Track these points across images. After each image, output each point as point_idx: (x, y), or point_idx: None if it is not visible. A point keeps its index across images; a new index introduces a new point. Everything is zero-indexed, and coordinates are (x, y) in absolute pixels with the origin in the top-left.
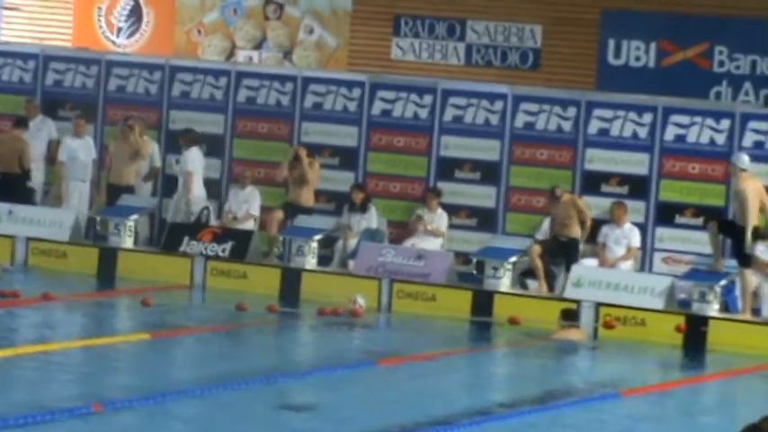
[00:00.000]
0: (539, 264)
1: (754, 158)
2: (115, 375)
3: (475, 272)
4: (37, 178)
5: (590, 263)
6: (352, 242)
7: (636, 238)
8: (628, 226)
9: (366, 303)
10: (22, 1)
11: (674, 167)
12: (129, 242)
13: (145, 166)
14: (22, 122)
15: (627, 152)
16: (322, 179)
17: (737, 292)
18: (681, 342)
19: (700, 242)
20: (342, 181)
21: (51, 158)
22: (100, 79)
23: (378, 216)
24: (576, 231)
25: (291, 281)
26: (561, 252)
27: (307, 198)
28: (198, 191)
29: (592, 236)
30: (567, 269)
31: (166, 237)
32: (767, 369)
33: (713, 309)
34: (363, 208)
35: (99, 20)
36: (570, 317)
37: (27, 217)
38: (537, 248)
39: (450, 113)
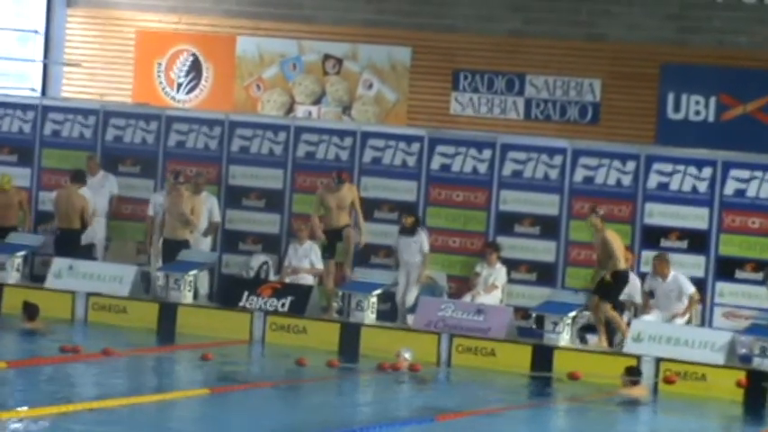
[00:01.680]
0: (600, 317)
1: None
2: (174, 430)
3: (534, 326)
4: (99, 234)
5: (650, 318)
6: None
7: (687, 286)
8: (671, 277)
9: (412, 357)
10: (82, 57)
11: (733, 222)
12: (188, 297)
13: (202, 221)
14: (79, 177)
15: (686, 206)
16: (382, 234)
17: None
18: (741, 397)
19: (760, 297)
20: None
21: (113, 214)
22: (160, 135)
23: (428, 238)
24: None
25: (351, 336)
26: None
27: (344, 220)
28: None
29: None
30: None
31: (223, 291)
32: None
33: None
34: (413, 231)
35: (159, 75)
36: (633, 373)
37: (87, 272)
38: (597, 301)
39: (509, 168)
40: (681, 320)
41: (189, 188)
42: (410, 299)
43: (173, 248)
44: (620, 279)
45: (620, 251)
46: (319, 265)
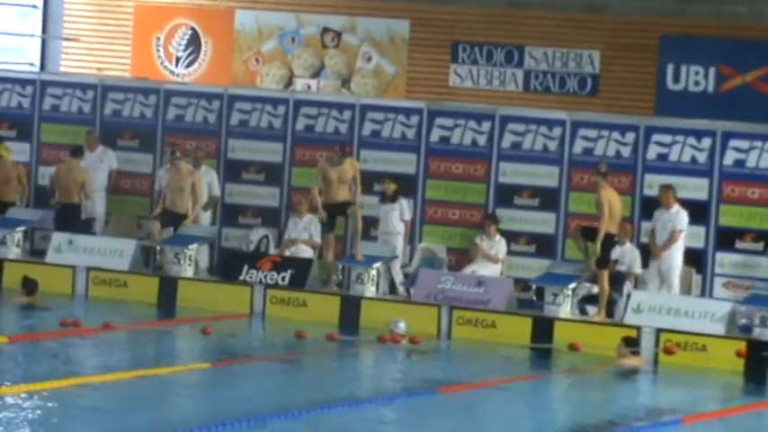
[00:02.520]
0: (606, 287)
1: None
2: (175, 405)
3: (535, 298)
4: (99, 208)
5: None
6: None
7: (681, 221)
8: (675, 208)
9: (406, 327)
10: (81, 32)
11: (733, 192)
12: (189, 271)
13: (202, 196)
14: (78, 152)
15: (686, 177)
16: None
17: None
18: (742, 367)
19: (760, 267)
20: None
21: (112, 188)
22: (158, 109)
23: (409, 207)
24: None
25: (351, 309)
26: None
27: (344, 194)
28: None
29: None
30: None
31: (223, 265)
32: None
33: None
34: (394, 199)
35: (157, 50)
36: (631, 344)
37: (87, 246)
38: (606, 272)
39: (508, 140)
40: (664, 254)
41: (189, 161)
42: (396, 267)
43: (172, 219)
44: (604, 243)
45: (612, 213)
46: (317, 239)
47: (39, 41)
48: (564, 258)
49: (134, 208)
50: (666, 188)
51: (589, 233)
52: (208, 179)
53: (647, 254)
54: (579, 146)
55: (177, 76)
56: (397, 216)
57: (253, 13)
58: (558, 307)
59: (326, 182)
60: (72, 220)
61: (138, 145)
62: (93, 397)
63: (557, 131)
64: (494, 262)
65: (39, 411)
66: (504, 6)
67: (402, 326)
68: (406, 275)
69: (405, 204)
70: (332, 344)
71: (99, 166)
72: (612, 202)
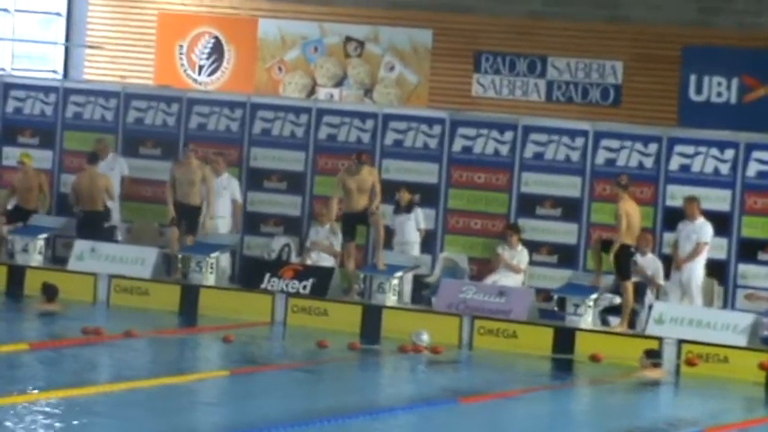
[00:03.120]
0: (630, 299)
1: None
2: (196, 413)
3: (556, 309)
4: (114, 216)
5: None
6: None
7: (705, 233)
8: (700, 221)
9: (429, 339)
10: (104, 40)
11: (755, 204)
12: (210, 279)
13: (223, 203)
14: (94, 158)
15: (708, 188)
16: None
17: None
18: (764, 379)
19: None
20: (424, 217)
21: (128, 195)
22: (181, 117)
23: (424, 218)
24: (627, 238)
25: (372, 318)
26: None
27: (364, 203)
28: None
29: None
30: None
31: (245, 273)
32: None
33: None
34: (409, 209)
35: (180, 58)
36: (653, 355)
37: (109, 254)
38: (629, 283)
39: (530, 150)
40: (686, 266)
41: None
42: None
43: (185, 212)
44: (622, 255)
45: (630, 226)
46: (338, 248)
47: (62, 49)
48: (586, 269)
49: (156, 216)
50: (691, 200)
51: (608, 246)
52: (231, 188)
53: (669, 265)
54: (602, 156)
55: (200, 84)
56: (413, 226)
57: (276, 21)
58: (580, 317)
59: (346, 191)
60: (95, 227)
61: (160, 153)
62: (113, 405)
63: (579, 142)
64: (515, 272)
65: (59, 419)
66: (526, 16)
67: (425, 338)
68: (427, 285)
69: (420, 214)
70: (353, 353)
71: (110, 173)
72: (631, 214)
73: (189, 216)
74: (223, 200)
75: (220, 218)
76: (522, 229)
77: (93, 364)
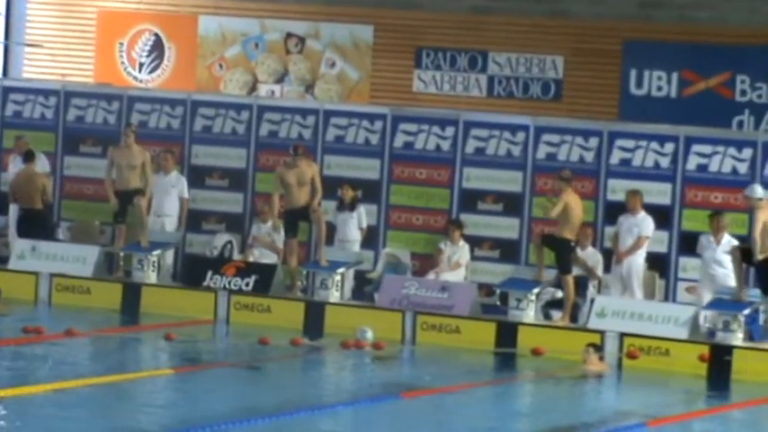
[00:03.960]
0: (571, 292)
1: None
2: (139, 412)
3: (499, 303)
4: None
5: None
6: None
7: (647, 227)
8: (641, 215)
9: (373, 336)
10: (44, 38)
11: (696, 197)
12: (152, 277)
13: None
14: (30, 156)
15: (649, 182)
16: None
17: (761, 321)
18: (705, 372)
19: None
20: (367, 214)
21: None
22: (122, 114)
23: (366, 217)
24: (567, 233)
25: (315, 314)
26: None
27: (305, 197)
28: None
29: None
30: (559, 267)
31: (187, 270)
32: None
33: (737, 338)
34: (352, 206)
35: (121, 55)
36: (596, 349)
37: (50, 253)
38: (570, 277)
39: (471, 145)
40: (627, 259)
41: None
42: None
43: (126, 198)
44: (563, 248)
45: (570, 219)
46: (281, 244)
47: (1, 47)
48: (528, 263)
49: (97, 214)
50: (634, 193)
51: (549, 241)
52: (179, 186)
53: (610, 258)
54: (543, 151)
55: (141, 81)
56: (355, 224)
57: (216, 18)
58: (522, 312)
59: (286, 186)
60: (34, 225)
61: (100, 151)
62: (55, 404)
63: (520, 136)
64: (455, 269)
65: (0, 419)
66: (467, 12)
67: (369, 335)
68: (370, 281)
69: (363, 213)
70: (296, 349)
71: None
72: (573, 207)
73: (130, 201)
74: (171, 198)
75: (167, 216)
76: (465, 224)
77: (35, 363)
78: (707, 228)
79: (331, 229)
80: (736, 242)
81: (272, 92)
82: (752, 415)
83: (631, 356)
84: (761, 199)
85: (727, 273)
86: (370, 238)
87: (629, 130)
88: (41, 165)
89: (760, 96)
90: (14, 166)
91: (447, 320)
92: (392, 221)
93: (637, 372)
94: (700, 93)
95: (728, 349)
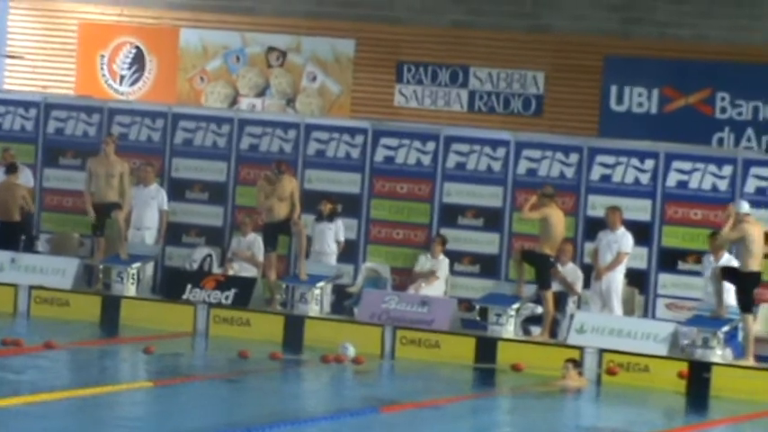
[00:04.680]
0: (551, 308)
1: (756, 204)
2: (117, 424)
3: (478, 318)
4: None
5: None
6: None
7: (626, 244)
8: (621, 231)
9: (355, 352)
10: (24, 50)
11: (676, 213)
12: (132, 290)
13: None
14: (12, 168)
15: (629, 198)
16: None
17: (740, 338)
18: (684, 388)
19: (702, 288)
20: (348, 228)
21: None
22: (102, 127)
23: (344, 230)
24: (547, 248)
25: (294, 328)
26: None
27: (285, 212)
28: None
29: None
30: (538, 283)
31: (166, 283)
32: None
33: (716, 355)
34: (331, 218)
35: (102, 68)
36: (575, 364)
37: (29, 265)
38: (550, 293)
39: (452, 160)
40: (606, 275)
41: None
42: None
43: (104, 210)
44: (543, 264)
45: (551, 235)
46: (261, 258)
47: None
48: (508, 278)
49: (77, 226)
50: (614, 210)
51: (529, 256)
52: (159, 198)
53: (590, 274)
54: (523, 166)
55: (121, 94)
56: (332, 236)
57: (197, 31)
58: (502, 327)
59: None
60: (13, 238)
61: (80, 163)
62: (34, 417)
63: (501, 152)
64: (432, 277)
65: None
66: (448, 27)
67: (351, 351)
68: (350, 295)
69: (341, 226)
70: (275, 363)
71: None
72: (555, 223)
73: (107, 214)
74: (151, 210)
75: (147, 229)
76: (446, 239)
77: (13, 375)
78: (687, 244)
79: (309, 241)
80: (735, 262)
81: (254, 105)
82: None
83: (611, 372)
84: (747, 214)
85: (727, 289)
86: (350, 252)
87: (609, 146)
88: (25, 178)
89: (740, 114)
90: None
91: (427, 335)
92: (372, 236)
93: (616, 388)
94: (680, 109)
95: (707, 366)
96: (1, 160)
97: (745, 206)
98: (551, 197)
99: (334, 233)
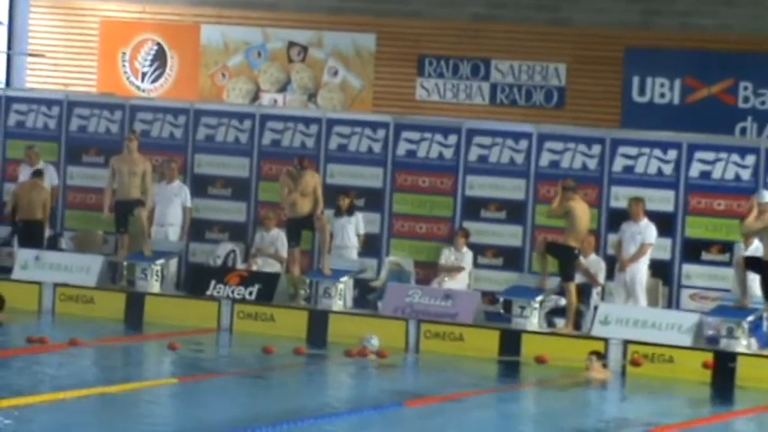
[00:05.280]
0: (574, 300)
1: None
2: (143, 421)
3: (502, 311)
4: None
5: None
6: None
7: (650, 235)
8: (644, 222)
9: (379, 343)
10: (46, 48)
11: (699, 204)
12: (156, 286)
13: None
14: (38, 174)
15: (652, 189)
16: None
17: (765, 327)
18: (709, 378)
19: (726, 278)
20: (371, 222)
21: (68, 204)
22: (124, 124)
23: (364, 223)
24: (572, 240)
25: (318, 323)
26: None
27: (308, 207)
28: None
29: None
30: (562, 275)
31: (190, 280)
32: None
33: (741, 345)
34: (350, 212)
35: (123, 65)
36: (600, 357)
37: (54, 263)
38: (573, 285)
39: (474, 153)
40: (630, 266)
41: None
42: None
43: (126, 208)
44: (567, 256)
45: (576, 227)
46: (284, 253)
47: (4, 57)
48: (531, 271)
49: (100, 224)
50: (637, 201)
51: (553, 249)
52: (182, 195)
53: (613, 265)
54: (546, 158)
55: (143, 91)
56: (353, 230)
57: (218, 27)
58: (526, 320)
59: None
60: (35, 236)
61: (103, 161)
62: (60, 414)
63: (523, 144)
64: (457, 271)
65: (5, 429)
66: (469, 20)
67: (375, 342)
68: (373, 289)
69: (360, 219)
70: (299, 358)
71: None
72: (580, 216)
73: (130, 211)
74: (174, 207)
75: (170, 225)
76: (469, 232)
77: (39, 373)
78: (710, 234)
79: (330, 236)
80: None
81: (275, 100)
82: (756, 422)
83: (635, 364)
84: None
85: (753, 279)
86: (373, 247)
87: (631, 137)
88: (50, 178)
89: (763, 103)
90: (23, 176)
91: (450, 328)
92: (395, 230)
93: (640, 379)
94: (702, 99)
95: (732, 356)
96: (25, 158)
97: (767, 195)
98: (574, 189)
99: (355, 227)
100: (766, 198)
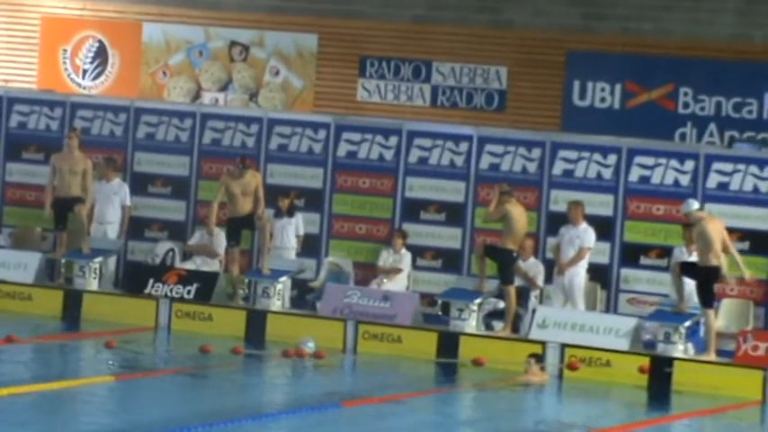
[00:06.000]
0: (513, 303)
1: (718, 200)
2: (79, 419)
3: (440, 313)
4: None
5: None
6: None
7: (589, 239)
8: (583, 226)
9: (315, 347)
10: None
11: (638, 208)
12: (94, 284)
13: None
14: None
15: (592, 193)
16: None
17: (702, 332)
18: (646, 383)
19: (665, 283)
20: (310, 222)
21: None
22: (65, 121)
23: (304, 224)
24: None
25: (257, 323)
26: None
27: (249, 207)
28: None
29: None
30: (500, 278)
31: (129, 278)
32: (731, 410)
33: (678, 349)
34: (290, 213)
35: (64, 62)
36: (537, 359)
37: None
38: (512, 288)
39: (415, 155)
40: (568, 270)
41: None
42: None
43: (65, 205)
44: (505, 259)
45: (513, 230)
46: (219, 249)
47: None
48: (470, 273)
49: (38, 221)
50: (576, 204)
51: (492, 251)
52: (121, 194)
53: (551, 269)
54: (486, 161)
55: (84, 88)
56: (293, 231)
57: (160, 26)
58: (464, 322)
59: (230, 196)
60: None
61: (43, 158)
62: None
63: (463, 147)
64: (395, 273)
65: None
66: (411, 21)
67: (311, 345)
68: (312, 290)
69: (301, 220)
70: (236, 357)
71: None
72: (516, 218)
73: (69, 209)
74: (113, 205)
75: (109, 224)
76: (407, 233)
77: None
78: (649, 239)
79: (270, 237)
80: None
81: (216, 100)
82: (690, 427)
83: (572, 367)
84: (700, 209)
85: (690, 284)
86: (312, 247)
87: (571, 141)
88: None
89: (703, 109)
90: None
91: (389, 330)
92: (335, 230)
93: (578, 382)
94: (642, 104)
95: (669, 361)
96: None
97: (692, 205)
98: (509, 193)
99: (295, 228)
100: (692, 207)
